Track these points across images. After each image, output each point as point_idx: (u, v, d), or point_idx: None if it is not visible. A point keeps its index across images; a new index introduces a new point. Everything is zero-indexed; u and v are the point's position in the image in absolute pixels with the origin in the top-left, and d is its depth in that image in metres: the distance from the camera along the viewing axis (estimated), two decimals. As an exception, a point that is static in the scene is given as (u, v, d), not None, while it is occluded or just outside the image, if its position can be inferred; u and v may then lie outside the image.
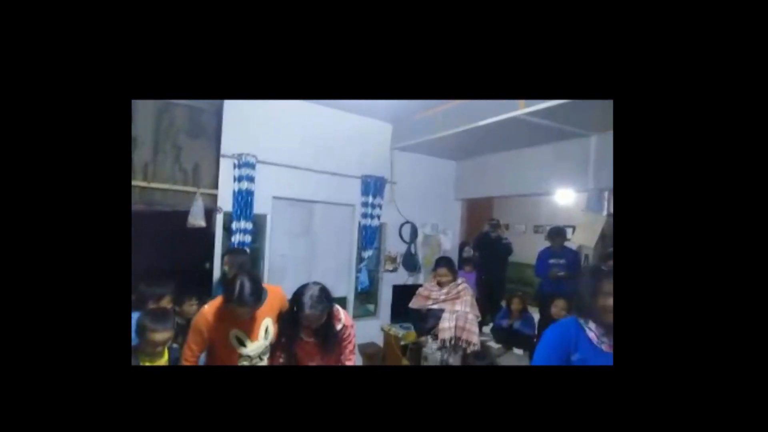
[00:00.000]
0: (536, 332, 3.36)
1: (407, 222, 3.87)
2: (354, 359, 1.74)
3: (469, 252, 4.07)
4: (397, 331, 3.55)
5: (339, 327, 1.67)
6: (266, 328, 1.51)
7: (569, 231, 4.05)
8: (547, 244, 3.83)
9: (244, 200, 2.96)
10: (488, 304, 3.75)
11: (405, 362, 3.49)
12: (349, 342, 1.71)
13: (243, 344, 1.47)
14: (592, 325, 1.28)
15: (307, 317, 1.56)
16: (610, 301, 1.23)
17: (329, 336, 1.64)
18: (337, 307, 1.75)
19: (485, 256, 4.06)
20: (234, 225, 2.93)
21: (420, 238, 3.95)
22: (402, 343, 3.50)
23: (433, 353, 2.66)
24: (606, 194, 3.40)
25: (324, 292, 1.62)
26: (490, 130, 2.87)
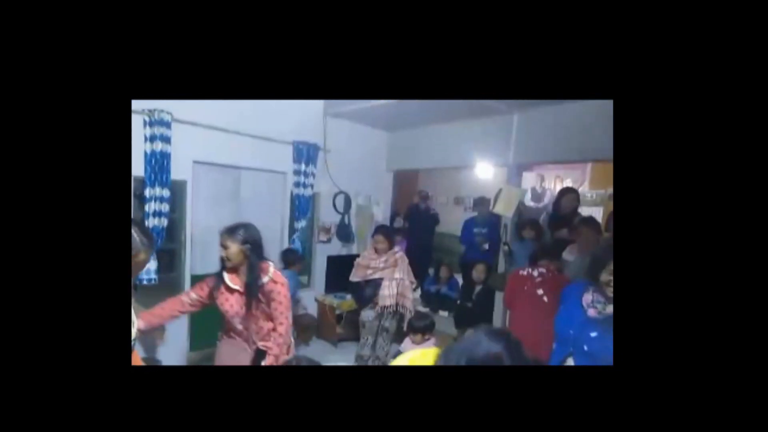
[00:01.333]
0: (460, 296, 3.66)
1: (341, 192, 3.80)
2: (287, 323, 1.66)
3: (399, 222, 4.20)
4: (332, 301, 3.54)
5: (265, 280, 1.61)
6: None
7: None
8: (468, 215, 4.13)
9: (158, 164, 2.59)
10: (417, 271, 3.95)
11: (340, 330, 3.53)
12: (279, 302, 1.63)
13: None
14: (595, 290, 1.35)
15: (222, 242, 1.59)
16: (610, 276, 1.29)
17: (253, 285, 1.59)
18: (269, 261, 1.70)
19: (414, 226, 4.23)
20: (147, 192, 2.56)
21: (353, 209, 3.93)
22: (337, 312, 3.52)
23: (370, 321, 2.73)
24: (521, 170, 3.77)
25: (247, 228, 1.64)
26: (423, 102, 2.92)
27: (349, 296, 3.30)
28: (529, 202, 4.50)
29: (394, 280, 2.67)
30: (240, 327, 1.69)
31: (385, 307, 2.65)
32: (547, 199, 4.83)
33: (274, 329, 1.66)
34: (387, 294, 2.65)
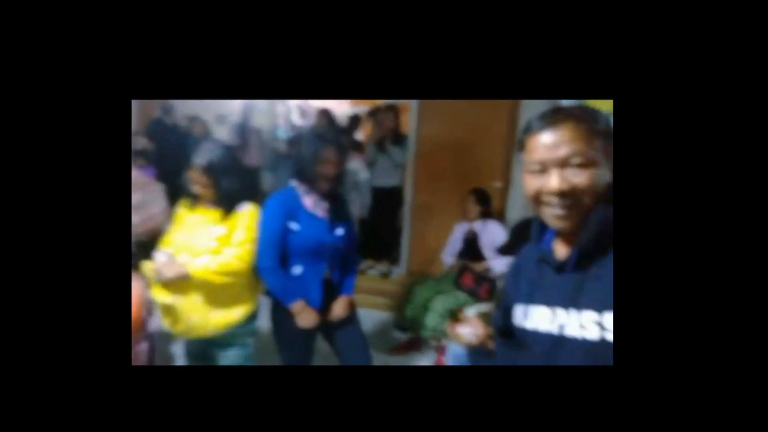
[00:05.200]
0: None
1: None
2: None
3: (142, 143, 3.32)
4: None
5: None
6: None
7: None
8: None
9: None
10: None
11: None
12: None
13: None
14: (310, 191, 1.37)
15: None
16: (328, 169, 1.36)
17: None
18: None
19: (163, 148, 3.47)
20: None
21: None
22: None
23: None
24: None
25: None
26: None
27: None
28: (297, 119, 4.49)
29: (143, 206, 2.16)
30: None
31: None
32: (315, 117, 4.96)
33: None
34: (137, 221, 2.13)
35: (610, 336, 0.66)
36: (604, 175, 0.68)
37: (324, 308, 1.42)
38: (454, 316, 2.26)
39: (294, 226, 1.35)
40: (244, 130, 3.35)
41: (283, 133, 4.10)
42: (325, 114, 3.27)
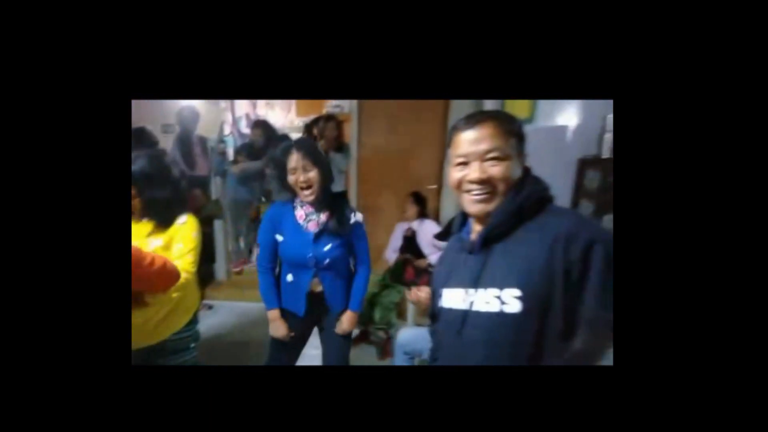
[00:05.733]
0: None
1: None
2: None
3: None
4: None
5: None
6: None
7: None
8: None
9: None
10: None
11: None
12: None
13: None
14: (303, 203, 1.37)
15: None
16: (296, 176, 1.31)
17: None
18: None
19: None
20: None
21: None
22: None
23: None
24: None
25: None
26: None
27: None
28: (245, 129, 4.49)
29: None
30: None
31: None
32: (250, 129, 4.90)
33: None
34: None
35: (507, 308, 0.75)
36: (516, 169, 0.78)
37: (307, 317, 1.45)
38: (399, 307, 2.48)
39: (279, 237, 1.40)
40: (188, 139, 3.32)
41: (230, 141, 4.13)
42: (261, 125, 3.31)
